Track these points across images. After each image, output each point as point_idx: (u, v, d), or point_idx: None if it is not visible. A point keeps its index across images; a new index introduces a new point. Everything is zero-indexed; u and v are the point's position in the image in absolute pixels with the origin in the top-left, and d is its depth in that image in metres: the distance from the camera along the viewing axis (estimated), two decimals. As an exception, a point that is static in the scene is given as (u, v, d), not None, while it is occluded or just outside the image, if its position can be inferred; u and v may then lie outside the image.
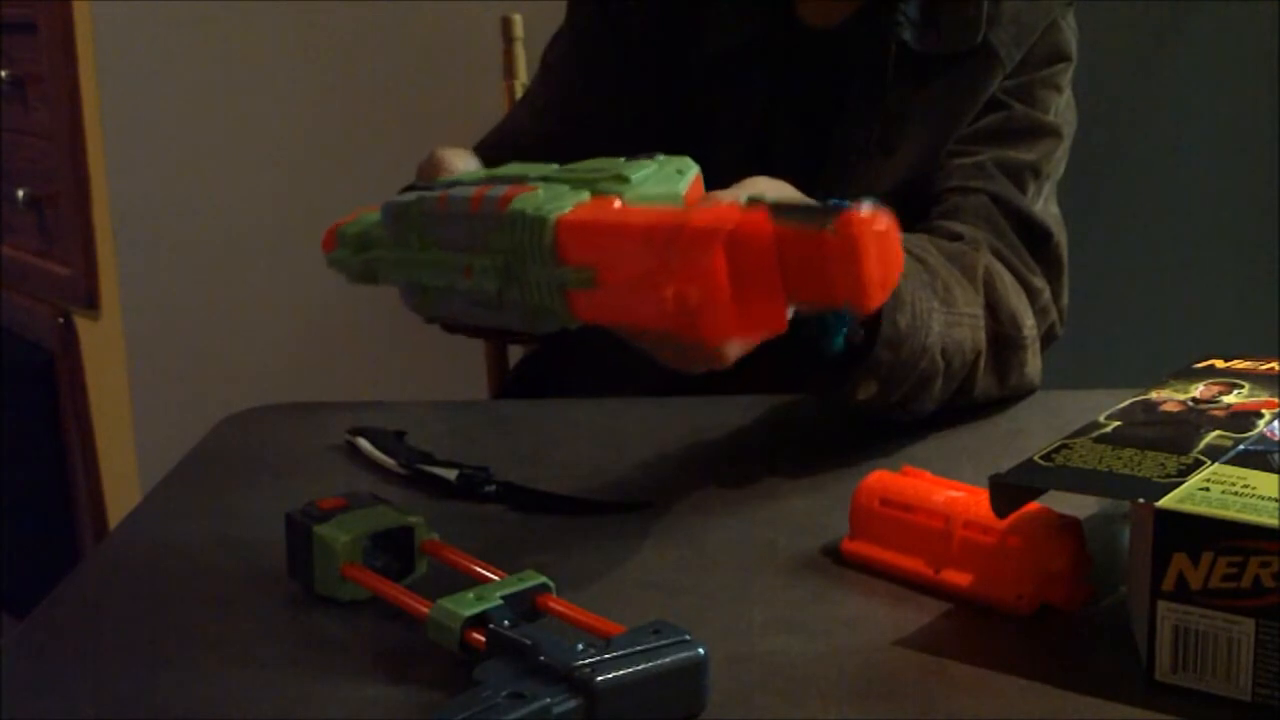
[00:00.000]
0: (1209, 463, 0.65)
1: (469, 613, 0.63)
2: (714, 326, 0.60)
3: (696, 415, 1.00)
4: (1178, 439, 0.69)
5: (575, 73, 1.19)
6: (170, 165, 1.96)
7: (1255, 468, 0.64)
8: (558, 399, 1.16)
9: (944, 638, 0.67)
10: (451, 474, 0.87)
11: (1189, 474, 0.64)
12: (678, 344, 0.69)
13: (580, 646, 0.58)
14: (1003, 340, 0.98)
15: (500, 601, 0.64)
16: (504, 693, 0.56)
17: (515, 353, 1.46)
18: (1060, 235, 1.10)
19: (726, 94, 1.12)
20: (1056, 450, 0.69)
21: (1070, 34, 1.14)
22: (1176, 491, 0.62)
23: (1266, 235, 1.69)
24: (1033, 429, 0.94)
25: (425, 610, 0.65)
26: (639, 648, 0.59)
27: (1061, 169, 1.14)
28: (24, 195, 2.13)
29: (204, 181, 1.95)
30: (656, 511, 0.83)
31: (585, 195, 0.66)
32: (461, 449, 0.91)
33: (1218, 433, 0.69)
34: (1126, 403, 0.76)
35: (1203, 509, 0.60)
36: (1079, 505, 0.71)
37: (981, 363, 0.96)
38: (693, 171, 0.69)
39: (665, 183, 0.67)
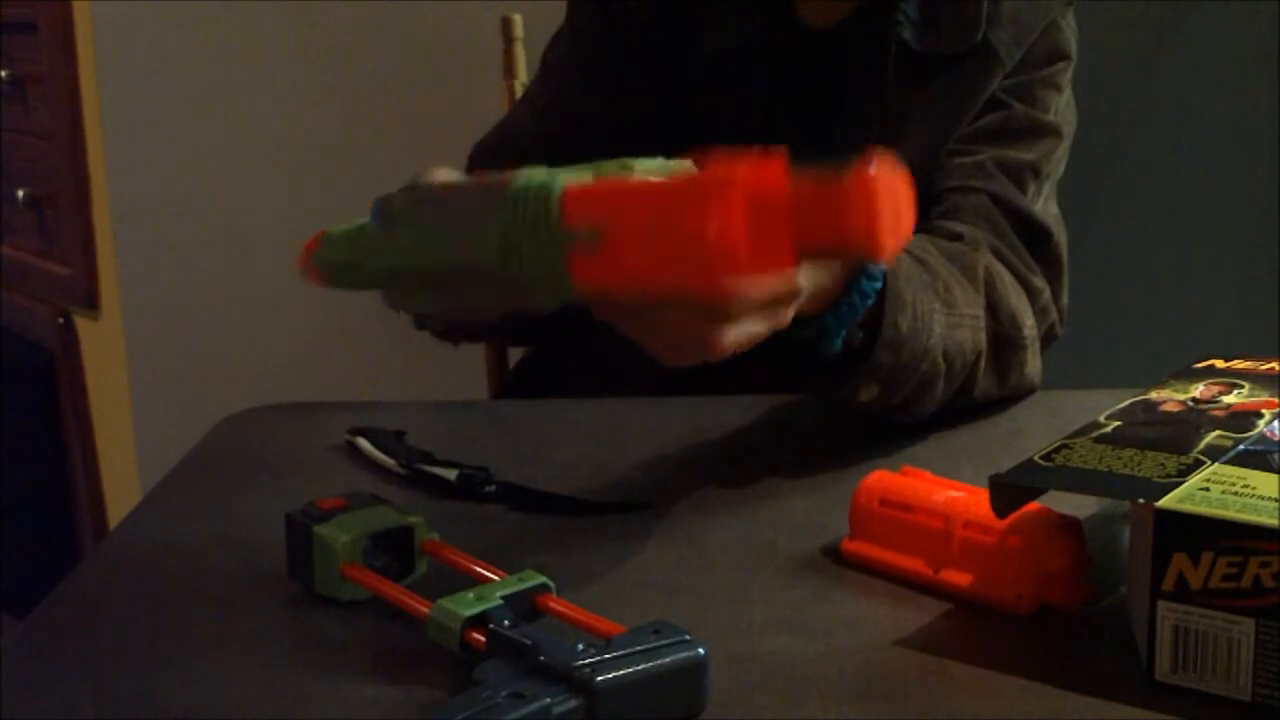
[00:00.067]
0: (1209, 463, 0.65)
1: (469, 613, 0.63)
2: (726, 265, 0.60)
3: (696, 415, 1.00)
4: (1178, 439, 0.69)
5: (575, 73, 1.19)
6: (170, 165, 1.96)
7: (1255, 468, 0.64)
8: (558, 399, 1.15)
9: (944, 638, 0.67)
10: (451, 474, 0.87)
11: (1189, 474, 0.64)
12: (671, 326, 0.68)
13: (580, 646, 0.58)
14: (1003, 340, 0.97)
15: (500, 601, 0.64)
16: (504, 693, 0.56)
17: (515, 353, 1.46)
18: (1060, 235, 1.10)
19: (726, 94, 1.12)
20: (1056, 450, 0.69)
21: (1070, 33, 1.14)
22: (1176, 491, 0.62)
23: (1266, 235, 1.69)
24: (1033, 429, 0.94)
25: (425, 610, 0.65)
26: (639, 648, 0.59)
27: (1061, 169, 1.14)
28: (24, 195, 2.13)
29: (204, 181, 1.95)
30: (656, 511, 0.83)
31: (589, 176, 0.67)
32: (461, 449, 0.91)
33: (1218, 433, 0.69)
34: (1126, 403, 0.76)
35: (1203, 509, 0.60)
36: (1079, 505, 0.71)
37: (982, 363, 0.96)
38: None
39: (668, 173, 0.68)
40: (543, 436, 0.99)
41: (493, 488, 0.86)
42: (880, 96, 1.09)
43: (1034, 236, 1.07)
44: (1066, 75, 1.14)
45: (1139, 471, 0.65)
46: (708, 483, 0.88)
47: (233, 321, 1.97)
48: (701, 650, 0.59)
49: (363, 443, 0.93)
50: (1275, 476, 0.63)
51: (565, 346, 1.21)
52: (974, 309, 0.95)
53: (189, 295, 1.98)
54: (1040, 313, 1.04)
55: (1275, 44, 1.65)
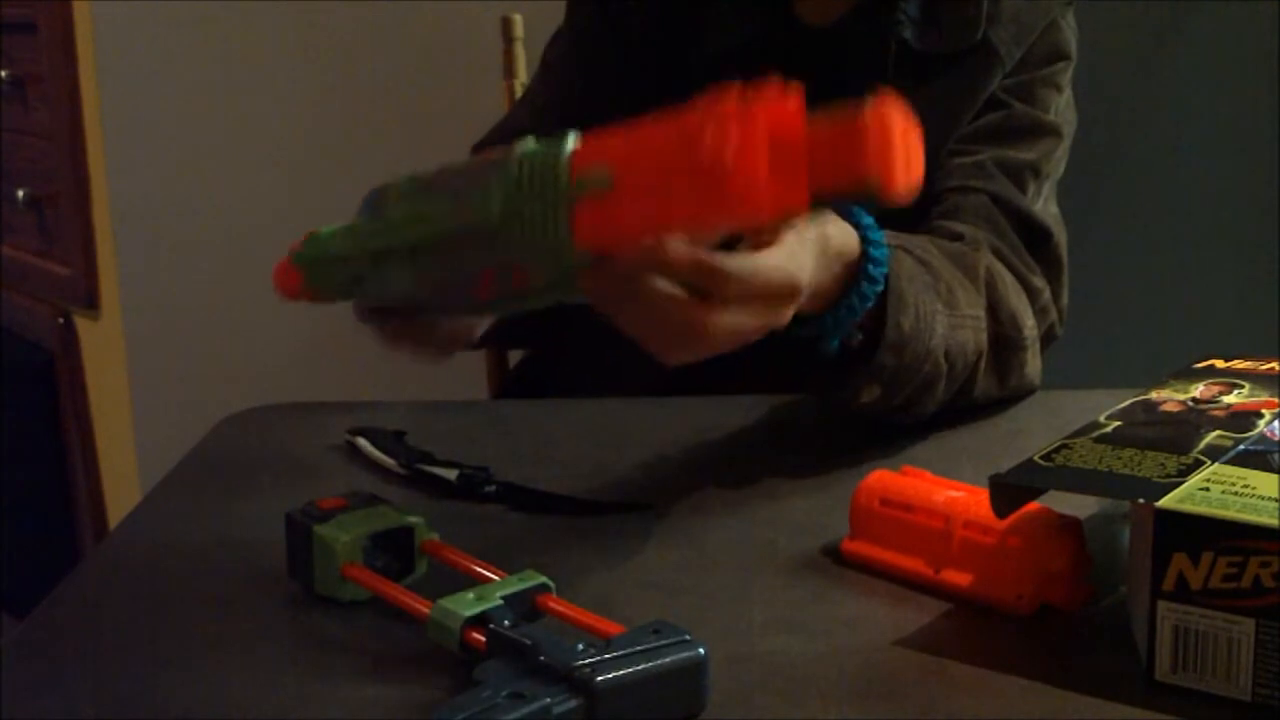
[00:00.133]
0: (1209, 463, 0.65)
1: (469, 613, 0.63)
2: (743, 191, 0.60)
3: (696, 415, 1.00)
4: (1178, 439, 0.69)
5: (575, 73, 1.19)
6: (170, 165, 1.96)
7: (1255, 468, 0.64)
8: (558, 399, 1.15)
9: (944, 638, 0.67)
10: (451, 474, 0.87)
11: (1189, 474, 0.64)
12: (664, 309, 0.68)
13: (580, 646, 0.58)
14: (1003, 341, 0.97)
15: (500, 601, 0.64)
16: (504, 693, 0.56)
17: (515, 353, 1.46)
18: (1060, 235, 1.10)
19: (726, 94, 1.12)
20: (1056, 450, 0.69)
21: (1070, 33, 1.14)
22: (1176, 491, 0.62)
23: (1266, 235, 1.69)
24: (1033, 429, 0.94)
25: (425, 610, 0.65)
26: (639, 648, 0.59)
27: (1061, 168, 1.14)
28: (24, 195, 2.13)
29: (204, 181, 1.95)
30: (656, 511, 0.83)
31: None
32: (461, 449, 0.91)
33: (1218, 433, 0.69)
34: (1126, 403, 0.76)
35: (1203, 509, 0.60)
36: (1079, 505, 0.71)
37: (982, 364, 0.95)
38: None
39: None
40: (543, 436, 0.99)
41: (493, 488, 0.86)
42: (880, 95, 1.09)
43: (1034, 236, 1.07)
44: (1067, 75, 1.13)
45: (1139, 471, 0.65)
46: (708, 483, 0.88)
47: (233, 321, 1.97)
48: (701, 650, 0.59)
49: (363, 443, 0.93)
50: (1275, 476, 0.63)
51: (564, 347, 1.21)
52: (975, 310, 0.95)
53: (189, 295, 1.98)
54: (1040, 313, 1.04)
55: (1275, 44, 1.65)
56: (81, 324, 2.15)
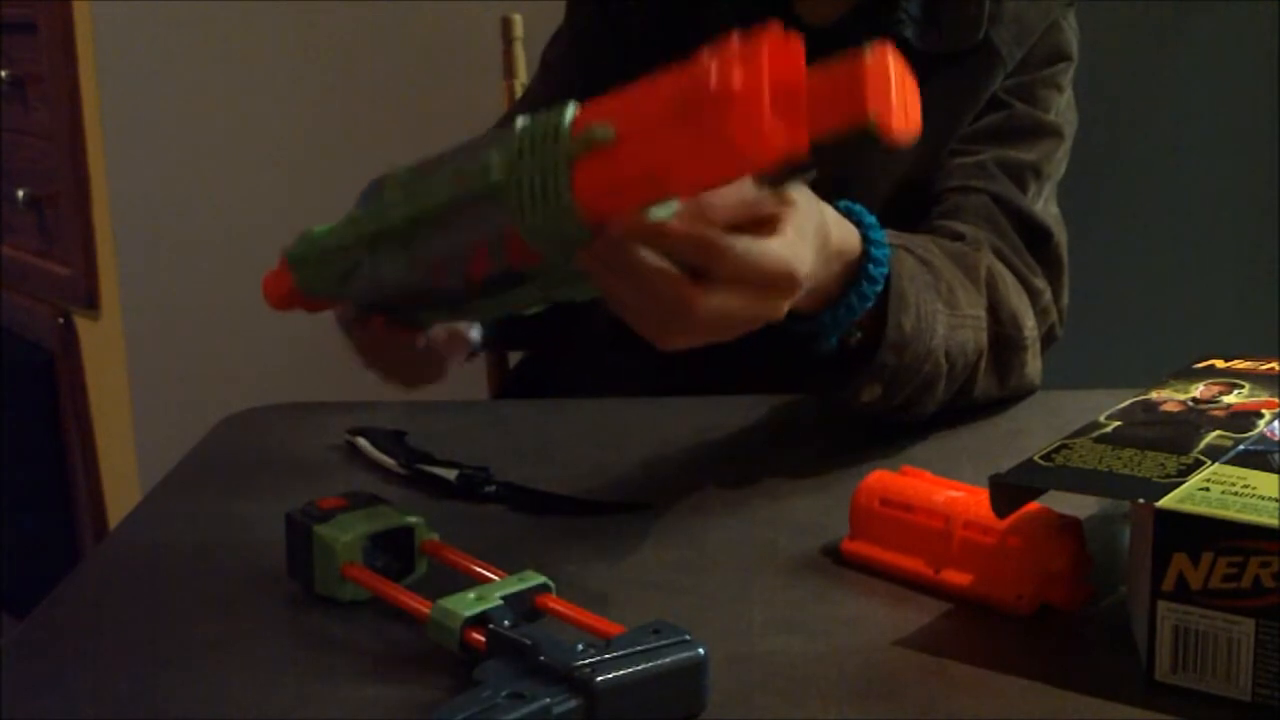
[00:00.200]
0: (1209, 463, 0.65)
1: (469, 613, 0.63)
2: (749, 125, 0.60)
3: (696, 415, 1.00)
4: (1178, 439, 0.69)
5: (575, 73, 1.19)
6: (170, 165, 1.96)
7: (1255, 468, 0.64)
8: (558, 399, 1.15)
9: (944, 638, 0.67)
10: (451, 474, 0.87)
11: (1189, 474, 0.64)
12: (657, 284, 0.67)
13: (580, 646, 0.58)
14: (1004, 341, 0.97)
15: (500, 601, 0.64)
16: (504, 693, 0.56)
17: (515, 353, 1.46)
18: (1060, 235, 1.10)
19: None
20: (1056, 450, 0.69)
21: (1071, 34, 1.14)
22: (1176, 491, 0.62)
23: (1266, 235, 1.69)
24: (1033, 429, 0.94)
25: (425, 610, 0.65)
26: (639, 648, 0.59)
27: (1062, 169, 1.14)
28: (24, 195, 2.13)
29: (204, 181, 1.95)
30: (656, 511, 0.83)
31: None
32: (461, 449, 0.91)
33: (1218, 433, 0.69)
34: (1126, 403, 0.76)
35: (1203, 509, 0.60)
36: (1079, 505, 0.71)
37: (983, 364, 0.95)
38: None
39: None
40: (543, 436, 0.99)
41: (493, 488, 0.86)
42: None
43: (1035, 237, 1.07)
44: (1068, 76, 1.13)
45: (1139, 471, 0.65)
46: (708, 483, 0.88)
47: (233, 321, 1.97)
48: (701, 650, 0.59)
49: (363, 443, 0.93)
50: (1275, 476, 0.63)
51: (564, 348, 1.21)
52: (976, 310, 0.95)
53: (189, 295, 1.98)
54: (1041, 313, 1.04)
55: (1275, 44, 1.65)
56: (81, 324, 2.15)
